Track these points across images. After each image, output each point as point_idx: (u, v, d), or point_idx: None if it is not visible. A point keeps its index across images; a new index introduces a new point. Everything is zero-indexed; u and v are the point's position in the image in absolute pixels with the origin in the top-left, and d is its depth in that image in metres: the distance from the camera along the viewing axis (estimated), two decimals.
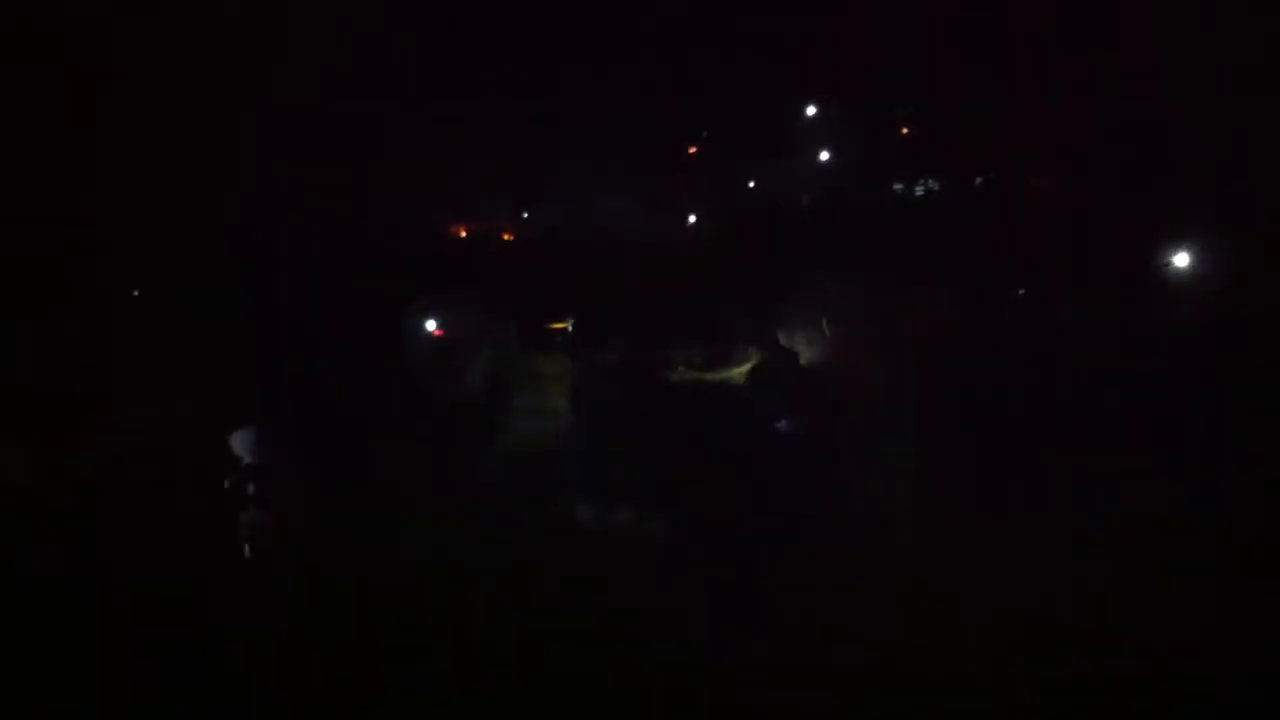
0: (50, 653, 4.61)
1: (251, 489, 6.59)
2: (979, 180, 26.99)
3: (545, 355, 6.13)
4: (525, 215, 25.57)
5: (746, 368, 8.45)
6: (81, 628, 4.83)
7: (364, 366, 8.11)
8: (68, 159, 9.77)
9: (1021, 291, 15.15)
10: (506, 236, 24.81)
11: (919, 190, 29.41)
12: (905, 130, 31.49)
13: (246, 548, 6.05)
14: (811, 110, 33.44)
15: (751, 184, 30.43)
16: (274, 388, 7.55)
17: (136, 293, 8.76)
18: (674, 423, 7.82)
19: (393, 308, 8.90)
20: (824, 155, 32.83)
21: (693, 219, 28.66)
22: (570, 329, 6.53)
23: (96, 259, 8.66)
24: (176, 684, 4.36)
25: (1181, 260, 13.48)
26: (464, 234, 23.82)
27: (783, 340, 8.32)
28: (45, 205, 9.15)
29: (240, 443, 6.70)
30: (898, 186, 29.59)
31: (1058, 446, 7.58)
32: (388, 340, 8.56)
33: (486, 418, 6.21)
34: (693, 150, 33.91)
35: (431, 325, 8.41)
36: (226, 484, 6.61)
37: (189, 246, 9.53)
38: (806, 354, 8.98)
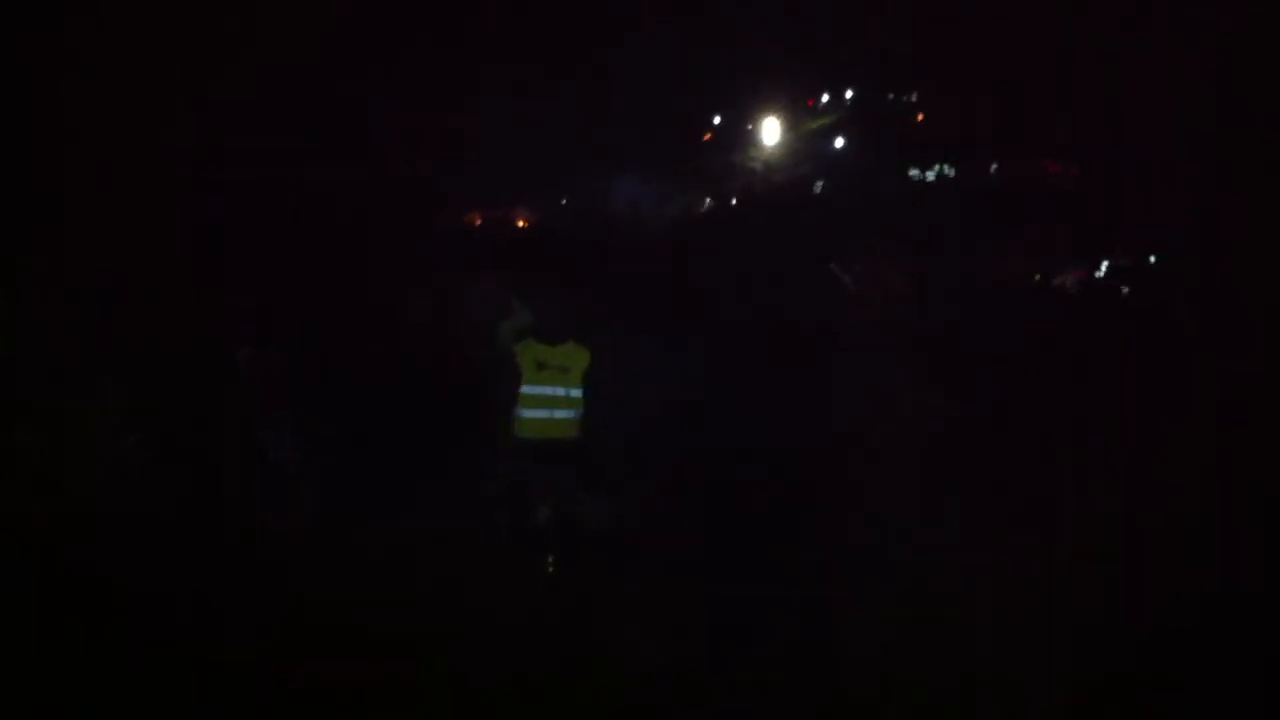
0: (49, 653, 4.54)
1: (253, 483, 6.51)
2: (994, 166, 26.92)
3: (557, 344, 6.00)
4: (564, 201, 25.50)
5: (757, 359, 8.33)
6: (79, 628, 4.76)
7: (370, 355, 7.98)
8: (49, 146, 9.49)
9: (1038, 276, 15.14)
10: (521, 223, 24.66)
11: (929, 176, 29.44)
12: (920, 116, 31.40)
13: (246, 544, 5.94)
14: (825, 97, 33.32)
15: (765, 169, 30.32)
16: (274, 381, 7.45)
17: (130, 288, 8.46)
18: (686, 414, 7.70)
19: (399, 296, 8.73)
20: (839, 141, 32.74)
21: (706, 203, 28.61)
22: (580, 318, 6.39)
23: (82, 252, 8.43)
24: (173, 685, 4.30)
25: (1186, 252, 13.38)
26: (479, 222, 23.64)
27: (797, 329, 8.22)
28: (29, 197, 8.89)
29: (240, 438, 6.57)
30: (913, 172, 29.53)
31: (1062, 439, 7.48)
32: (394, 328, 8.40)
33: (497, 406, 6.12)
34: (707, 137, 33.77)
35: (441, 312, 8.26)
36: (225, 479, 6.48)
37: (182, 238, 9.27)
38: (821, 342, 8.84)
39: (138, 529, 5.90)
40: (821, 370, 7.96)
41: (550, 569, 5.79)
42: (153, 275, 8.15)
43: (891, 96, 32.22)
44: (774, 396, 7.62)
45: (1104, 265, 15.51)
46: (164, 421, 7.04)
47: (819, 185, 29.80)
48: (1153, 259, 15.41)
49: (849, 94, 32.80)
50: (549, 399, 5.89)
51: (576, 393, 5.91)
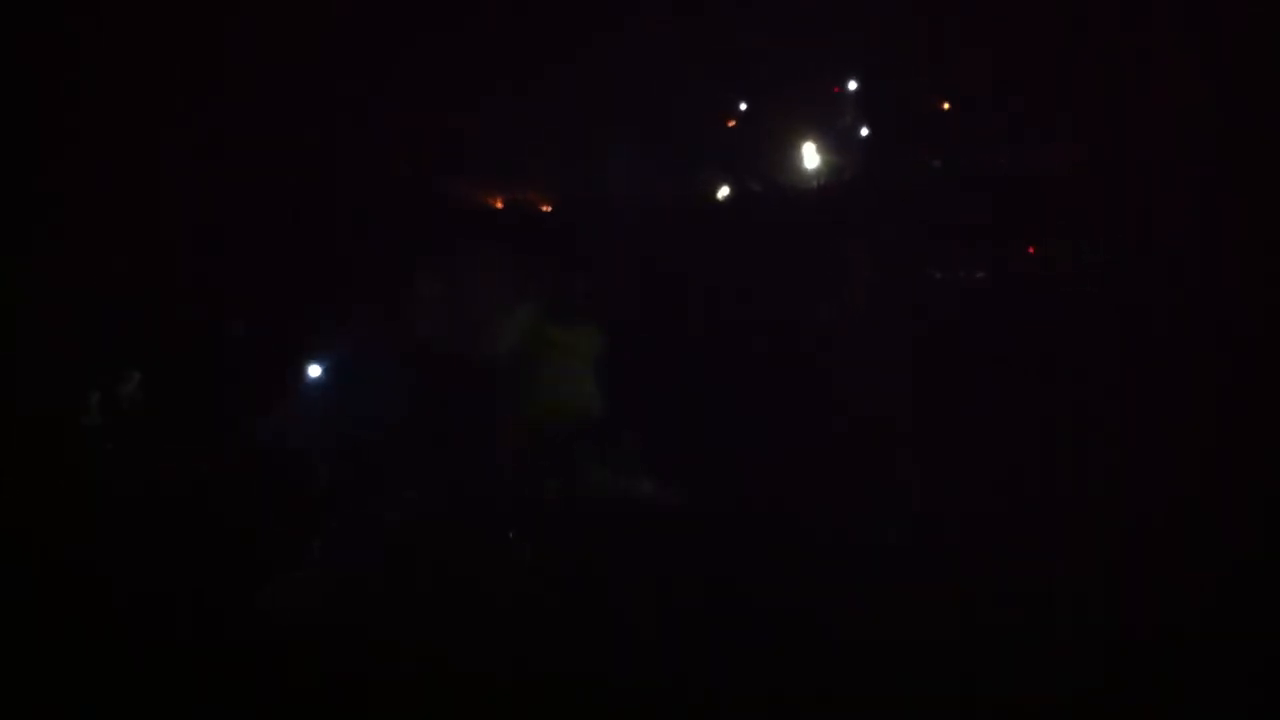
0: (49, 653, 4.56)
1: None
2: (1004, 156, 26.73)
3: (569, 327, 6.00)
4: (589, 185, 25.22)
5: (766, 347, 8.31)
6: (79, 628, 4.76)
7: (369, 350, 7.96)
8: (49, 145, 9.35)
9: (1053, 267, 14.89)
10: (545, 208, 24.33)
11: (939, 164, 29.29)
12: (945, 105, 31.46)
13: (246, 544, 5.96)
14: (852, 84, 33.25)
15: (787, 157, 30.33)
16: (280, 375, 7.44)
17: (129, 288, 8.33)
18: (695, 401, 7.70)
19: (406, 283, 8.64)
20: (862, 131, 32.80)
21: (725, 192, 28.37)
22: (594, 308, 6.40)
23: (82, 252, 8.34)
24: (173, 685, 4.33)
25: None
26: (500, 205, 23.26)
27: (807, 322, 8.20)
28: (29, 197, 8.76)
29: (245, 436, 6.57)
30: (935, 163, 29.44)
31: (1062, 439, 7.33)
32: (399, 320, 8.34)
33: (508, 388, 6.12)
34: (730, 123, 33.63)
35: (452, 295, 8.16)
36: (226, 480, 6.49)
37: (181, 237, 9.16)
38: (828, 336, 8.81)
39: (138, 529, 5.90)
40: (823, 367, 7.92)
41: (548, 566, 5.80)
42: (152, 275, 8.12)
43: (915, 85, 32.20)
44: (775, 392, 7.60)
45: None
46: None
47: (841, 174, 29.81)
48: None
49: (872, 81, 32.76)
50: (557, 379, 5.89)
51: (586, 373, 5.90)
